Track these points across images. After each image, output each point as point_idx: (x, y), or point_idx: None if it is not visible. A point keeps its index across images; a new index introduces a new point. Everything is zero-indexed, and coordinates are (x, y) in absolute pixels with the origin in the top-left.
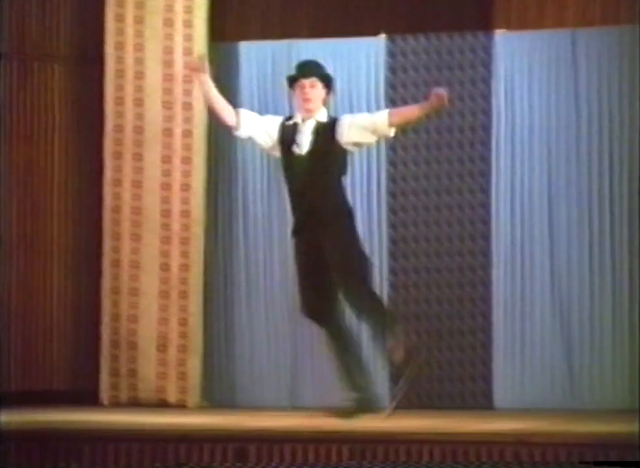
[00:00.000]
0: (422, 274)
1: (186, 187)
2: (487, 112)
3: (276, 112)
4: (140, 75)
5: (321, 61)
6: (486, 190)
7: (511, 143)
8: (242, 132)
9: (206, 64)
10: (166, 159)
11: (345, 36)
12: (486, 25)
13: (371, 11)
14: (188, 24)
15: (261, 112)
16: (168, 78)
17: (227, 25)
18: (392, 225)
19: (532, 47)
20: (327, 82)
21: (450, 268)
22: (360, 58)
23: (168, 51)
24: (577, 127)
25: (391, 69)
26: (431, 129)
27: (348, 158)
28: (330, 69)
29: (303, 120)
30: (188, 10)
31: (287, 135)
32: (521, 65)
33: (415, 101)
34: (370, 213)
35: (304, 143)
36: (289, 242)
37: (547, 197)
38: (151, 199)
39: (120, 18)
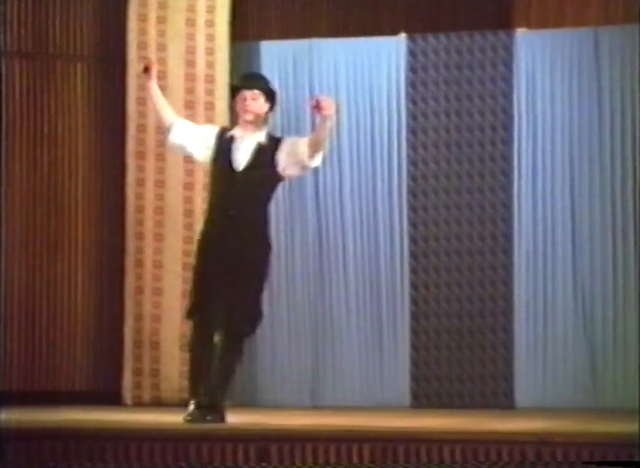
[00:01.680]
0: (442, 273)
1: (208, 187)
2: (508, 111)
3: (297, 110)
4: (162, 75)
5: (342, 60)
6: (507, 189)
7: (533, 141)
8: (174, 138)
9: (155, 69)
10: (189, 159)
11: (365, 36)
12: (507, 24)
13: (391, 10)
14: (210, 24)
15: (281, 111)
16: (190, 77)
17: (249, 25)
18: (413, 224)
19: (553, 45)
20: (270, 97)
21: (471, 267)
22: (381, 57)
23: (190, 50)
24: (600, 126)
25: (412, 69)
26: (451, 128)
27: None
28: (350, 69)
29: (242, 135)
30: (211, 9)
31: (223, 147)
32: (542, 64)
33: (435, 100)
34: (391, 212)
35: (239, 159)
36: (311, 240)
37: (570, 196)
38: (173, 199)
39: (143, 18)
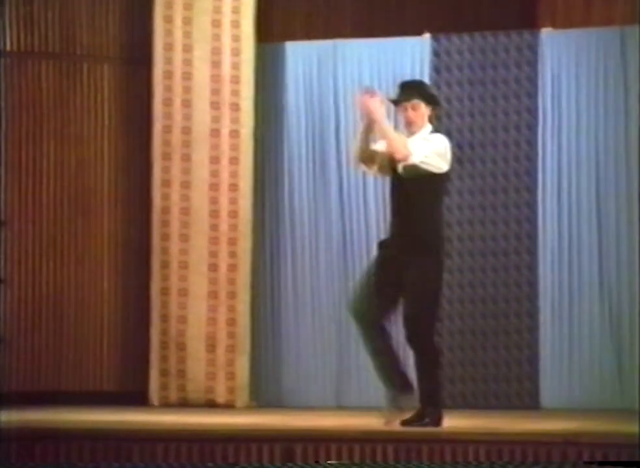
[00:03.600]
0: (467, 273)
1: (234, 187)
2: (532, 111)
3: (321, 111)
4: (188, 76)
5: (366, 61)
6: (532, 189)
7: (557, 142)
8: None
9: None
10: (214, 160)
11: (389, 36)
12: (532, 23)
13: (415, 10)
14: (235, 24)
15: (306, 112)
16: (216, 79)
17: (274, 26)
18: None
19: (578, 45)
20: (429, 100)
21: (495, 268)
22: (405, 57)
23: (216, 51)
24: (626, 126)
25: (436, 69)
26: (475, 128)
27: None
28: (374, 69)
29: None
30: (236, 10)
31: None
32: (568, 64)
33: (459, 100)
34: None
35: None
36: (335, 241)
37: (595, 196)
38: (199, 200)
39: (169, 19)
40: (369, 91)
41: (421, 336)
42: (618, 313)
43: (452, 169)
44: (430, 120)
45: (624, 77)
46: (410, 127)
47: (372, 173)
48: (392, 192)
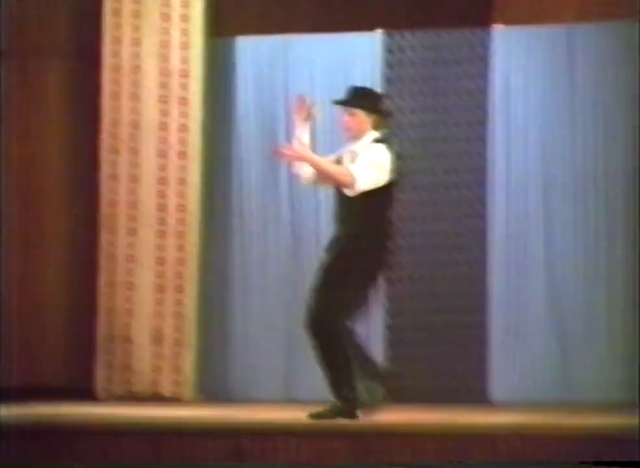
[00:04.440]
0: (418, 269)
1: (182, 181)
2: (483, 107)
3: (271, 106)
4: (136, 70)
5: (318, 57)
6: (482, 185)
7: (507, 138)
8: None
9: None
10: (162, 153)
11: (342, 32)
12: (484, 21)
13: (368, 6)
14: (185, 18)
15: (256, 107)
16: (165, 72)
17: (225, 20)
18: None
19: (529, 42)
20: (372, 110)
21: (446, 263)
22: (357, 53)
23: (165, 45)
24: (573, 122)
25: (389, 65)
26: (428, 124)
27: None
28: (327, 65)
29: None
30: (186, 4)
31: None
32: (518, 61)
33: (412, 96)
34: None
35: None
36: (285, 236)
37: (543, 191)
38: (147, 194)
39: (117, 12)
40: (301, 99)
41: (324, 322)
42: (564, 307)
43: (404, 164)
44: (376, 127)
45: (571, 73)
46: (346, 132)
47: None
48: (335, 199)
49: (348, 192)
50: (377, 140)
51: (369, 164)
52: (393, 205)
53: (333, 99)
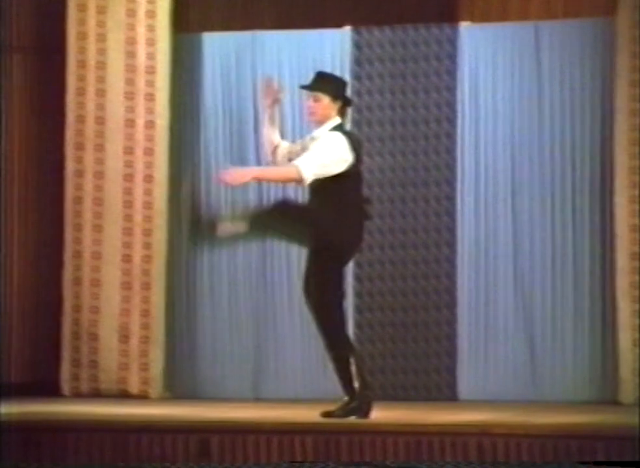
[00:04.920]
0: (387, 266)
1: (148, 178)
2: (452, 105)
3: (239, 103)
4: (102, 66)
5: (285, 53)
6: (451, 183)
7: (476, 135)
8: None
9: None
10: (129, 150)
11: (309, 28)
12: (451, 17)
13: (335, 2)
14: (151, 14)
15: (223, 104)
16: (131, 68)
17: (191, 16)
18: None
19: (496, 39)
20: (336, 95)
21: (415, 260)
22: (325, 49)
23: (131, 41)
24: (540, 118)
25: (357, 61)
26: (396, 121)
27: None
28: (294, 61)
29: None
30: (151, 0)
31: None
32: (485, 57)
33: (380, 93)
34: None
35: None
36: None
37: (511, 189)
38: (113, 191)
39: (82, 8)
40: (268, 82)
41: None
42: (531, 306)
43: (373, 162)
44: (341, 114)
45: (537, 70)
46: (310, 117)
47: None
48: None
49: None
50: (336, 127)
51: (316, 154)
52: (362, 187)
53: (300, 84)
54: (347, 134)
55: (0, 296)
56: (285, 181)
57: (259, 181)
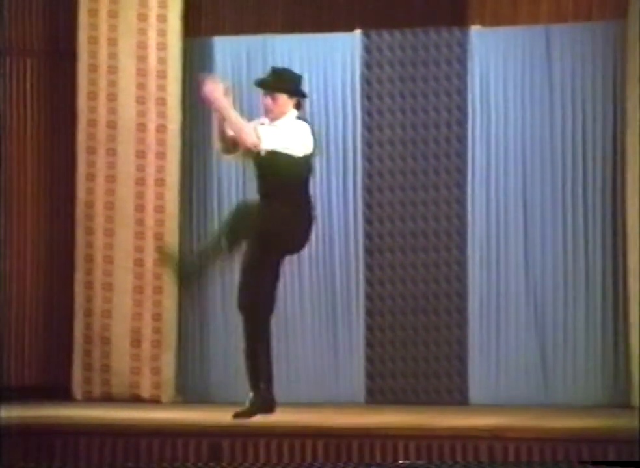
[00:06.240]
0: (397, 269)
1: (160, 182)
2: (462, 108)
3: (249, 106)
4: (113, 70)
5: (296, 56)
6: (461, 186)
7: (486, 138)
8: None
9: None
10: (140, 154)
11: (320, 32)
12: (461, 21)
13: (346, 6)
14: (162, 19)
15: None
16: (142, 73)
17: (202, 20)
18: (368, 221)
19: (506, 42)
20: (292, 92)
21: (425, 264)
22: (335, 53)
23: (142, 45)
24: (551, 122)
25: (367, 65)
26: (407, 125)
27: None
28: (305, 65)
29: None
30: (163, 4)
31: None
32: (496, 61)
33: (390, 96)
34: (346, 208)
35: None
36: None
37: (522, 193)
38: (125, 194)
39: (94, 13)
40: (212, 81)
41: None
42: (543, 309)
43: (384, 165)
44: (297, 107)
45: (548, 73)
46: (267, 114)
47: (239, 160)
48: (256, 175)
49: (253, 149)
50: (299, 117)
51: (280, 129)
52: (309, 186)
53: (255, 81)
54: (310, 125)
55: (12, 299)
56: (239, 134)
57: (224, 114)
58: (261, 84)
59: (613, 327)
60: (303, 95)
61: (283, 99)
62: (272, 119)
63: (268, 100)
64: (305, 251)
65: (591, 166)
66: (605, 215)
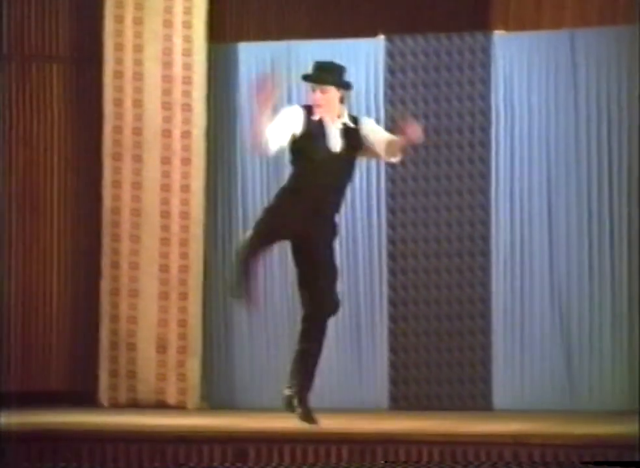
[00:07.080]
0: (421, 275)
1: (185, 188)
2: (486, 113)
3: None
4: (139, 76)
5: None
6: (485, 191)
7: (510, 144)
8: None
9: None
10: (166, 160)
11: (343, 37)
12: (485, 26)
13: (369, 12)
14: (187, 25)
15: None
16: (167, 79)
17: (226, 26)
18: (391, 226)
19: (530, 47)
20: (340, 85)
21: (449, 269)
22: (359, 58)
23: (167, 52)
24: (576, 127)
25: (390, 70)
26: (430, 130)
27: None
28: None
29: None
30: (188, 11)
31: (315, 129)
32: (519, 66)
33: (413, 101)
34: (369, 214)
35: (333, 141)
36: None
37: (547, 198)
38: (150, 201)
39: (119, 19)
40: (264, 79)
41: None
42: (568, 315)
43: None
44: (342, 101)
45: (573, 78)
46: (317, 109)
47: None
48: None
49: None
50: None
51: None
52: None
53: (302, 76)
54: None
55: (39, 306)
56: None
57: (261, 109)
58: (310, 78)
59: (639, 332)
60: (349, 87)
61: (333, 92)
62: (323, 113)
63: (318, 94)
64: None
65: (616, 170)
66: (631, 220)
